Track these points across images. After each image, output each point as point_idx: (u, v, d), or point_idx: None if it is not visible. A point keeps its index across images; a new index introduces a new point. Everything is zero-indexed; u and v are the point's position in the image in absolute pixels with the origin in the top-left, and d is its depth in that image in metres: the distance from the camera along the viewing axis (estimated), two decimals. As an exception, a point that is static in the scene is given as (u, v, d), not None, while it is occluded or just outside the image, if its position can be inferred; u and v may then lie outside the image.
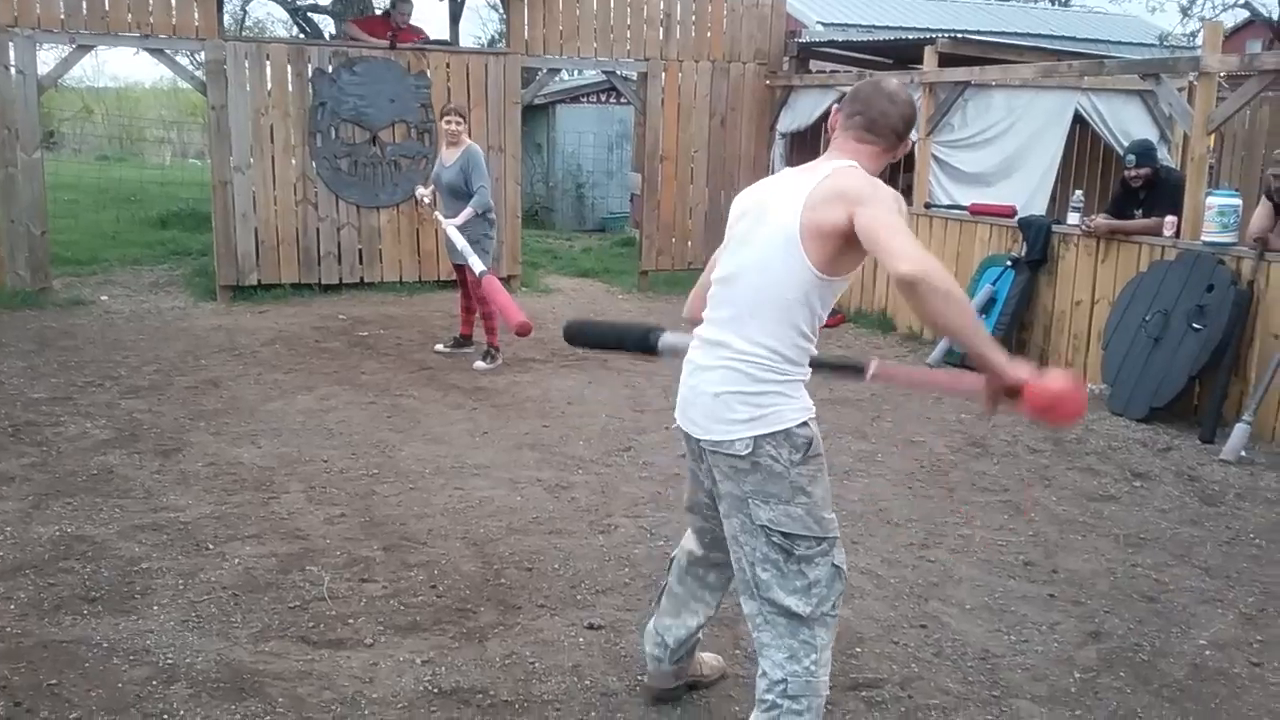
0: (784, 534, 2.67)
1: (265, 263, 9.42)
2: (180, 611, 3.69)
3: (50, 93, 31.11)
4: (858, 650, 3.64)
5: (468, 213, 7.00)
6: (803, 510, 2.67)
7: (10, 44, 8.51)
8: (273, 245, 9.39)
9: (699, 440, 2.77)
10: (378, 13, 13.01)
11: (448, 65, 9.80)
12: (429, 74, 9.68)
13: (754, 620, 2.78)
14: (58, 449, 5.34)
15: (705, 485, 2.89)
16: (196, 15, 8.98)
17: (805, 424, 2.67)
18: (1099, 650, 3.68)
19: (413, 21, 10.32)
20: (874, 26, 16.16)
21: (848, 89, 9.53)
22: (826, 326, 8.92)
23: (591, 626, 3.71)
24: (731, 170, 10.94)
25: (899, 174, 11.30)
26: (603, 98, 16.67)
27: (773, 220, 2.66)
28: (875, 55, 10.77)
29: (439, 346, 7.66)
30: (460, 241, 6.83)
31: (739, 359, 2.66)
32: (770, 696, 2.73)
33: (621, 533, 4.57)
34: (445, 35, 11.50)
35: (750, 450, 2.64)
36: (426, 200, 7.45)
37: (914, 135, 2.84)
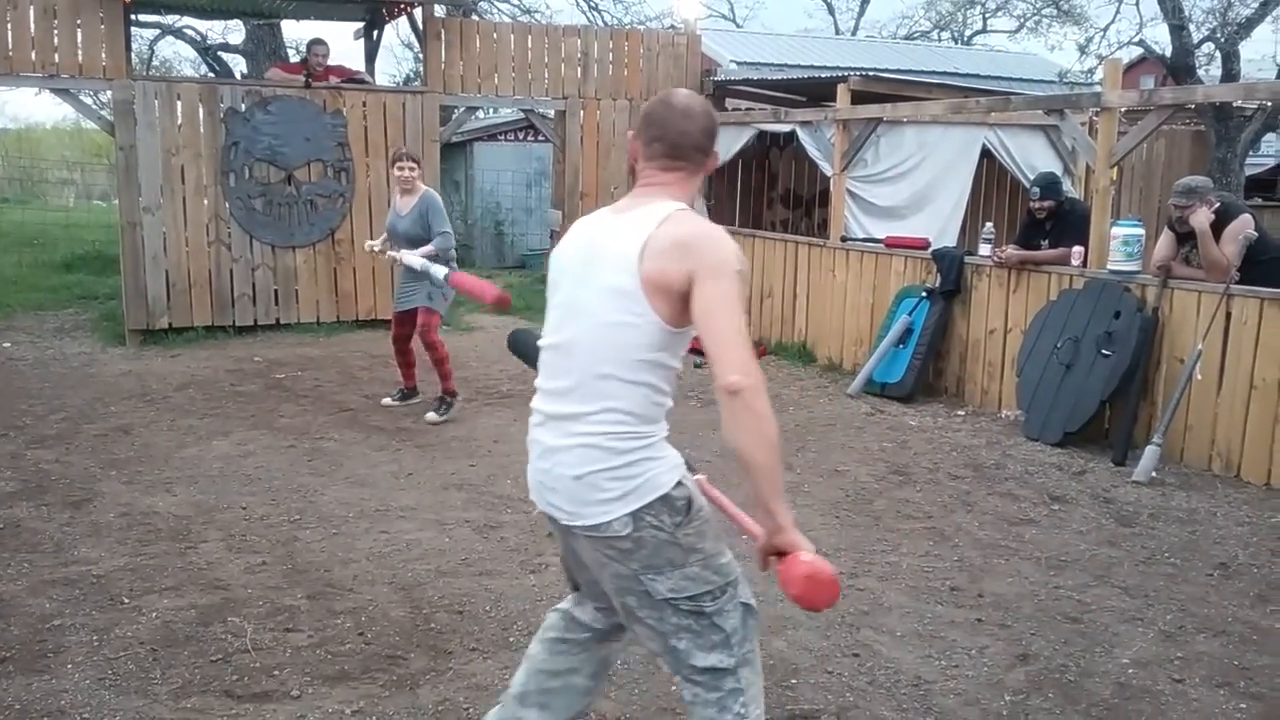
0: (689, 598, 2.48)
1: (177, 305, 9.20)
2: (96, 669, 3.55)
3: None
4: (793, 682, 3.64)
5: (428, 249, 6.73)
6: (699, 568, 2.49)
7: (-98, 84, 8.24)
8: (184, 287, 9.18)
9: (569, 526, 2.54)
10: (293, 58, 12.89)
11: (364, 104, 9.72)
12: (345, 112, 9.59)
13: (679, 679, 2.62)
14: (-41, 503, 5.12)
15: (587, 567, 2.64)
16: (104, 55, 8.80)
17: (680, 483, 2.49)
18: (1027, 672, 3.73)
19: (332, 61, 10.24)
20: (786, 65, 16.44)
21: (765, 125, 9.64)
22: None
23: (525, 668, 3.66)
24: (651, 206, 10.99)
25: (815, 209, 11.55)
26: (520, 135, 16.70)
27: (606, 277, 2.43)
28: (789, 93, 10.98)
29: (386, 400, 7.31)
30: (419, 262, 6.62)
31: (595, 433, 2.43)
32: None
33: (553, 571, 4.51)
34: (363, 73, 11.37)
35: (631, 529, 2.43)
36: (377, 249, 7.25)
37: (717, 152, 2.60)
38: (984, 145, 9.36)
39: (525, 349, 3.25)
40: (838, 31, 33.52)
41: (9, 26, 8.46)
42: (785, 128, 9.87)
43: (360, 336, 9.48)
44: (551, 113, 10.66)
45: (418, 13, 9.97)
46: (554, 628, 2.88)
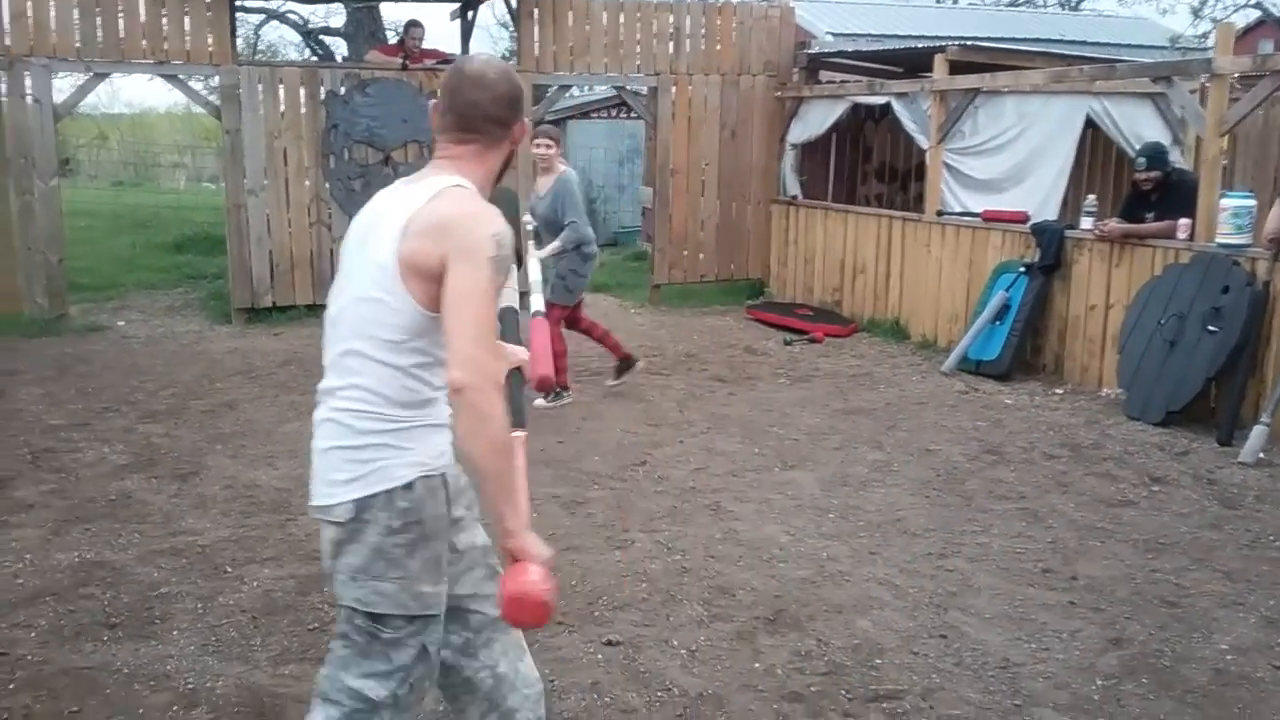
0: (370, 615, 2.25)
1: (280, 285, 9.48)
2: (200, 636, 3.71)
3: (66, 120, 31.59)
4: (878, 662, 3.62)
5: (554, 246, 6.62)
6: (396, 586, 2.24)
7: (26, 73, 8.61)
8: (287, 267, 9.44)
9: (312, 508, 2.32)
10: (391, 39, 13.10)
11: (458, 84, 9.82)
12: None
13: (319, 689, 2.35)
14: (76, 475, 5.38)
15: None
16: (210, 41, 9.07)
17: (410, 485, 2.23)
18: (1120, 657, 3.65)
19: (429, 43, 10.40)
20: (884, 35, 16.09)
21: (859, 98, 9.46)
22: (837, 336, 8.91)
23: (609, 643, 3.71)
24: (743, 182, 10.95)
25: (911, 183, 11.33)
26: (614, 113, 16.72)
27: (373, 249, 2.24)
28: (885, 64, 10.77)
29: (609, 383, 7.25)
30: (535, 273, 6.50)
31: (340, 409, 2.26)
32: None
33: (638, 548, 4.56)
34: (458, 54, 11.51)
35: (351, 516, 2.22)
36: (530, 228, 6.83)
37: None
38: (1088, 115, 9.06)
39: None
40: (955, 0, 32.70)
41: (120, 15, 8.77)
42: (880, 100, 9.69)
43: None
44: (644, 89, 10.65)
45: (511, -8, 10.03)
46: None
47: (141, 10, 8.85)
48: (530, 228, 6.74)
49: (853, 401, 7.10)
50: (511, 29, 14.72)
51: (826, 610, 4.00)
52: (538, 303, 6.32)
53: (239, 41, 19.51)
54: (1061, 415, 6.75)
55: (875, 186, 11.81)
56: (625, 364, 7.22)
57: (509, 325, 2.76)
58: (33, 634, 3.69)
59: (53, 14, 8.62)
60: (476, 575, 2.44)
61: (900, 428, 6.49)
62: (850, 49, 11.57)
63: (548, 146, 6.70)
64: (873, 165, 11.80)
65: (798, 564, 4.43)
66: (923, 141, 9.07)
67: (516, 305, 5.56)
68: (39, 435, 6.03)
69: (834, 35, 16.41)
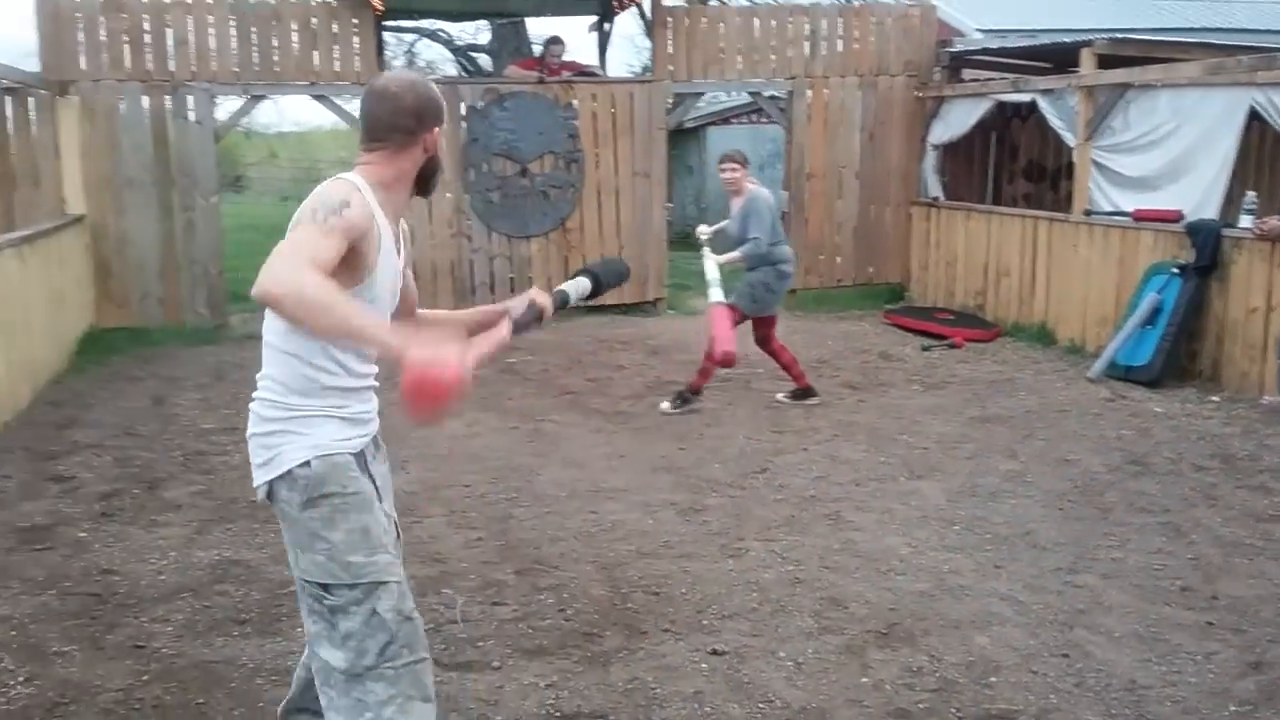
0: (315, 584, 2.44)
1: (423, 294, 9.68)
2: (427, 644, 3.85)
3: (240, 139, 33.44)
4: (993, 680, 3.49)
5: (733, 255, 6.65)
6: (324, 557, 2.41)
7: (190, 96, 9.18)
8: (429, 277, 9.75)
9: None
10: (535, 52, 13.36)
11: (594, 96, 10.00)
12: (576, 105, 9.90)
13: (317, 677, 2.49)
14: (223, 477, 5.68)
15: None
16: (358, 63, 9.47)
17: (307, 464, 2.40)
18: (1258, 682, 3.42)
19: (570, 56, 10.59)
20: (1036, 30, 15.53)
21: (1003, 96, 9.16)
22: (979, 341, 8.61)
23: (715, 652, 3.69)
24: (883, 185, 10.75)
25: (1060, 181, 10.88)
26: (754, 118, 16.64)
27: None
28: (1030, 60, 10.39)
29: (780, 396, 7.09)
30: (712, 273, 6.60)
31: (256, 398, 2.49)
32: None
33: (752, 556, 4.52)
34: (595, 65, 11.69)
35: (266, 497, 2.46)
36: (705, 237, 6.96)
37: (438, 123, 2.50)
38: (1252, 107, 8.50)
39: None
40: (1100, -10, 31.31)
41: (274, 40, 9.25)
42: (1025, 97, 9.35)
43: (589, 322, 9.77)
44: (780, 93, 10.57)
45: (646, 3, 10.11)
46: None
47: (294, 35, 9.31)
48: (704, 236, 6.97)
49: (989, 409, 6.87)
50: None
51: (942, 625, 3.88)
52: (716, 295, 6.54)
53: (399, 60, 20.31)
54: (1215, 424, 6.36)
55: (1023, 186, 11.40)
56: (805, 392, 7.03)
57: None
58: (169, 628, 3.91)
59: (213, 41, 9.16)
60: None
61: (1038, 436, 6.24)
62: (998, 45, 11.22)
63: (732, 170, 6.75)
64: (1020, 164, 11.39)
65: (916, 577, 4.31)
66: (1070, 139, 8.70)
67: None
68: (192, 439, 6.40)
69: (983, 31, 15.95)
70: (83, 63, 8.95)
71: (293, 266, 2.15)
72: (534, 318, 2.78)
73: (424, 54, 20.69)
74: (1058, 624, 3.88)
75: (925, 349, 8.77)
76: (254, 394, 2.50)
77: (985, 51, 10.55)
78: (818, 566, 4.42)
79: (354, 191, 2.38)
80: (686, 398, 6.85)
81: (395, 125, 2.46)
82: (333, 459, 2.44)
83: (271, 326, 2.45)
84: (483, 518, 5.02)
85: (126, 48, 9.02)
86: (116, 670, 3.60)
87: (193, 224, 9.36)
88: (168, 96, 9.15)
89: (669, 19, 10.04)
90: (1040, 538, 4.70)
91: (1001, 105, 10.14)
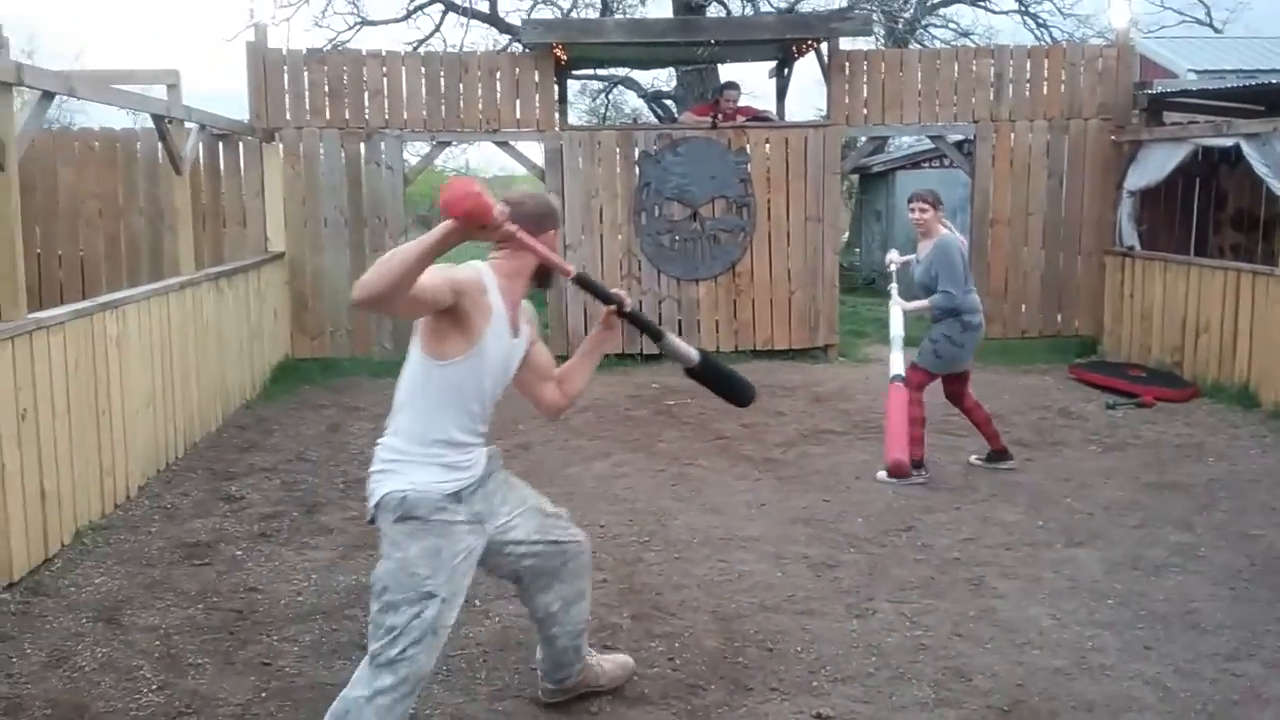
0: (380, 585, 2.97)
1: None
2: (436, 664, 3.93)
3: (441, 179, 35.11)
4: (1121, 773, 3.20)
5: (921, 304, 6.32)
6: (395, 565, 2.96)
7: (381, 143, 9.72)
8: (598, 315, 9.89)
9: None
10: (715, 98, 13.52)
11: (767, 140, 9.98)
12: (749, 149, 9.90)
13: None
14: (376, 504, 5.90)
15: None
16: (538, 110, 9.80)
17: (403, 493, 2.96)
18: None
19: (746, 102, 10.64)
20: (1256, 71, 14.53)
21: (1204, 140, 8.55)
22: (1171, 400, 7.96)
23: (819, 716, 3.55)
24: (1072, 231, 10.24)
25: (1275, 232, 10.05)
26: (945, 162, 16.19)
27: None
28: (1237, 101, 9.69)
29: (973, 458, 6.67)
30: (896, 327, 6.38)
31: (379, 442, 3.12)
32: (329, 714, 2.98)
33: (879, 618, 4.34)
34: (773, 110, 11.69)
35: (370, 521, 3.08)
36: (893, 266, 6.81)
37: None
38: None
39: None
40: (1342, 26, 29.02)
41: (461, 88, 9.69)
42: (1228, 142, 8.72)
43: (755, 366, 9.69)
44: (963, 138, 10.25)
45: (824, 47, 10.04)
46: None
47: (479, 85, 9.73)
48: (893, 266, 6.77)
49: (1169, 475, 6.37)
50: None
51: (1074, 706, 3.60)
52: (896, 364, 6.23)
53: (588, 104, 20.91)
54: None
55: (1231, 236, 10.59)
56: (999, 455, 6.54)
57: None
58: (296, 648, 4.09)
59: (404, 91, 9.69)
60: (544, 554, 3.34)
61: (1219, 507, 5.74)
62: (1213, 87, 10.54)
63: (921, 210, 6.27)
64: (1228, 213, 10.60)
65: (1054, 652, 4.02)
66: (1276, 187, 8.05)
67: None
68: (357, 467, 6.69)
69: (1197, 72, 15.05)
70: (287, 111, 9.63)
71: (367, 275, 2.63)
72: (602, 294, 3.32)
73: (618, 100, 21.26)
74: (1205, 714, 3.54)
75: (1110, 407, 8.24)
76: (379, 440, 3.10)
77: (1187, 94, 9.92)
78: (948, 634, 4.19)
79: (472, 269, 2.98)
80: (914, 467, 6.20)
81: (537, 220, 3.09)
82: (424, 493, 2.98)
83: (400, 385, 3.07)
84: (611, 560, 5.02)
85: (326, 97, 9.65)
86: (241, 685, 3.78)
87: (381, 262, 9.85)
88: (362, 144, 9.71)
89: (847, 63, 9.93)
90: (1202, 618, 4.31)
91: (1207, 150, 9.50)
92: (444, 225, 2.61)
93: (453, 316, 2.89)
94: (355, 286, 2.60)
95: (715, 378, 3.49)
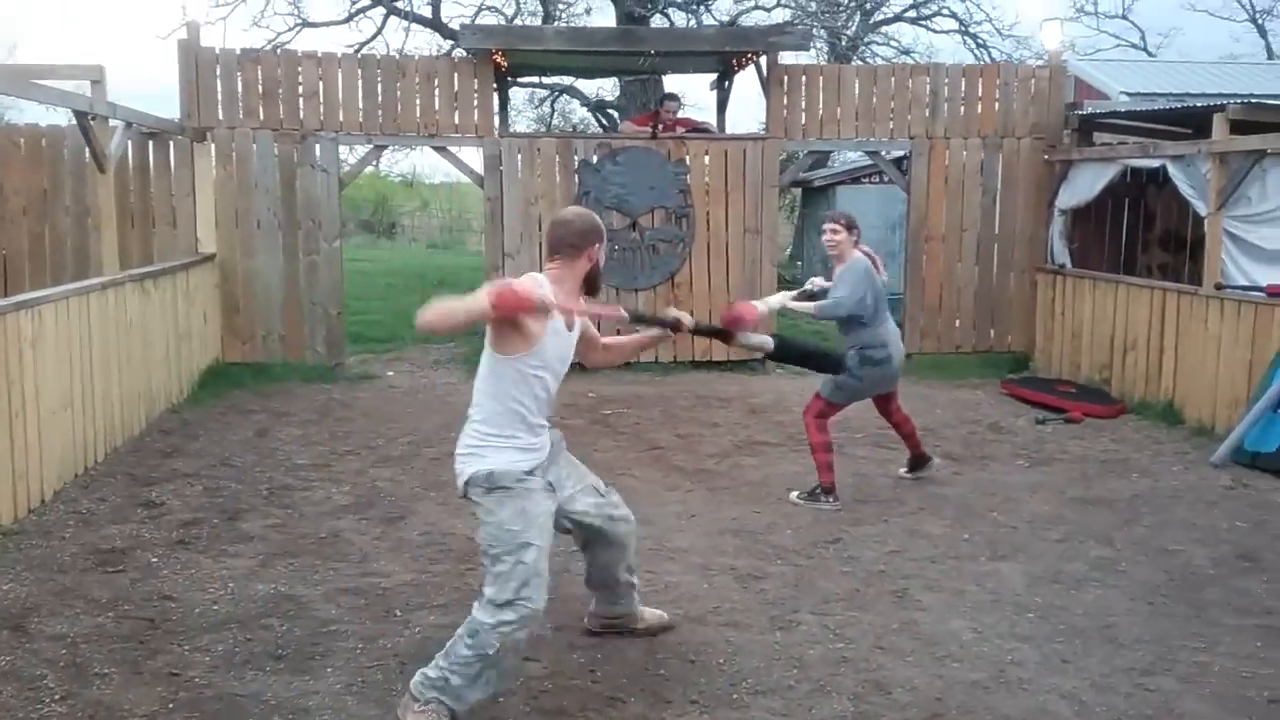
0: (485, 544, 3.53)
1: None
2: (349, 676, 3.86)
3: (398, 188, 34.75)
4: (1033, 786, 3.22)
5: (808, 307, 6.03)
6: (493, 528, 3.50)
7: (316, 145, 9.59)
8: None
9: None
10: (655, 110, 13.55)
11: (706, 152, 10.01)
12: (688, 161, 9.92)
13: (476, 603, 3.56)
14: (300, 512, 5.80)
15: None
16: (477, 115, 9.73)
17: (490, 471, 3.51)
18: (1336, 819, 3.05)
19: (687, 114, 10.67)
20: (1186, 95, 14.89)
21: (1131, 161, 8.67)
22: (1099, 417, 8.06)
23: (738, 729, 3.53)
24: (1007, 249, 10.40)
25: (1201, 252, 10.28)
26: (885, 178, 16.37)
27: None
28: (1164, 124, 9.91)
29: (901, 472, 6.64)
30: (773, 303, 5.85)
31: (465, 429, 3.64)
32: (461, 630, 3.50)
33: (802, 630, 4.34)
34: (714, 122, 11.74)
35: (463, 497, 3.63)
36: (815, 288, 6.29)
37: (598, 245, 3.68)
38: None
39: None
40: (1270, 56, 29.92)
41: (399, 92, 9.59)
42: (1154, 163, 8.91)
43: (692, 377, 9.70)
44: (898, 154, 10.37)
45: (764, 61, 10.10)
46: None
47: (417, 89, 9.64)
48: (815, 288, 6.30)
49: (1094, 490, 6.47)
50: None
51: (990, 720, 3.62)
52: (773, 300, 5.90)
53: (554, 115, 20.85)
54: (1344, 521, 5.83)
55: (1159, 256, 10.81)
56: (919, 460, 6.59)
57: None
58: (208, 658, 3.98)
59: (341, 93, 9.57)
60: (597, 525, 3.95)
61: (1141, 523, 5.83)
62: (1143, 109, 10.76)
63: (834, 233, 5.92)
64: (1155, 233, 10.83)
65: (974, 665, 4.04)
66: (1200, 208, 8.24)
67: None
68: (282, 473, 6.57)
69: (1129, 95, 15.40)
70: (220, 111, 9.46)
71: (424, 314, 3.28)
72: (659, 322, 3.96)
73: (564, 109, 21.23)
74: (1118, 730, 3.57)
75: (1039, 422, 8.36)
76: (470, 412, 3.63)
77: (1116, 115, 10.13)
78: (870, 646, 4.20)
79: (531, 280, 3.54)
80: (816, 494, 6.05)
81: (566, 242, 3.62)
82: (506, 471, 3.53)
83: (478, 378, 3.61)
84: (537, 570, 4.96)
85: (260, 98, 9.49)
86: (147, 696, 3.67)
87: (315, 266, 9.72)
88: (296, 146, 9.57)
89: (785, 77, 10.00)
90: (1120, 633, 4.36)
91: (1136, 171, 9.69)
92: (480, 301, 3.25)
93: (513, 324, 3.39)
94: (419, 319, 3.28)
95: (796, 355, 4.33)
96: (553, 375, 3.61)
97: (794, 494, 6.16)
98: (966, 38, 19.35)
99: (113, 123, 7.51)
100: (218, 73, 9.44)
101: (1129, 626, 4.43)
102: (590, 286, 3.72)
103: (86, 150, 7.64)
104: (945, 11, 19.05)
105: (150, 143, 9.27)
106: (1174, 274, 10.49)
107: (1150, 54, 30.24)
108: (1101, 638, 4.32)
